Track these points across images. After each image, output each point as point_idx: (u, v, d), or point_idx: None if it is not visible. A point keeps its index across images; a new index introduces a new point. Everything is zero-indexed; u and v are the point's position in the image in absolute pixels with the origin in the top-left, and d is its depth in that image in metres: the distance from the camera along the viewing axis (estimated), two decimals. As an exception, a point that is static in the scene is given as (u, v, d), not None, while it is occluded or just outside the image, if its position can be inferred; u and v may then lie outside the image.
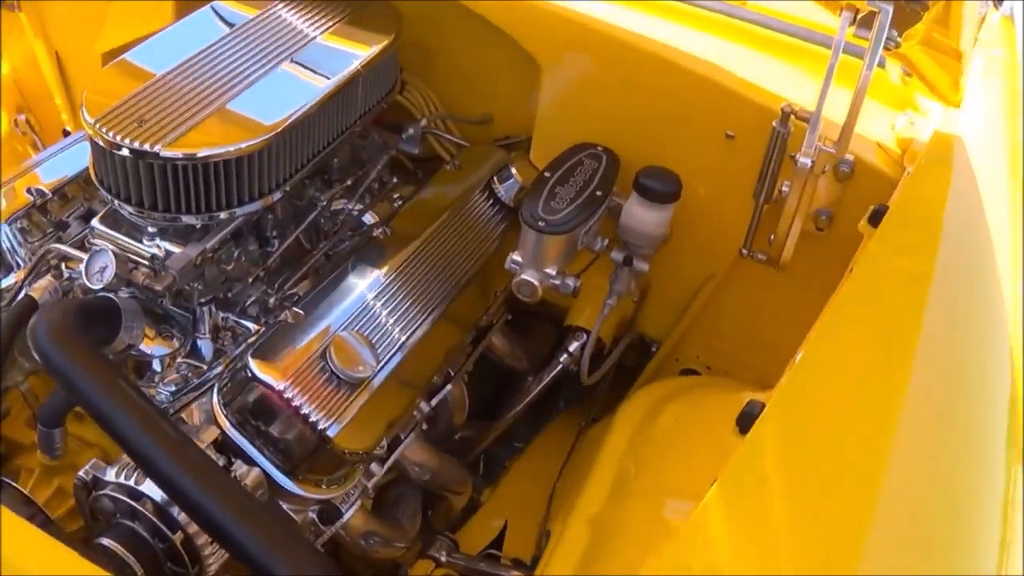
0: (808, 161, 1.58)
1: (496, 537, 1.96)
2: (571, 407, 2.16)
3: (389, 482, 1.89)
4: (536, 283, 1.76)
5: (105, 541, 1.44)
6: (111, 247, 1.62)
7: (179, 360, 1.72)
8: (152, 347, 1.71)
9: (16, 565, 0.99)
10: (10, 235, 1.77)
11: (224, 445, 1.56)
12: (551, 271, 1.76)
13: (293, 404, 1.56)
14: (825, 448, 1.13)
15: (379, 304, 1.74)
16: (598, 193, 1.78)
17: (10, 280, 1.73)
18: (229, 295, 1.76)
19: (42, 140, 2.61)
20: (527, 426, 2.12)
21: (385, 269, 1.79)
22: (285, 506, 1.64)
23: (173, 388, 1.70)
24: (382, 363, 1.66)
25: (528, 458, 2.12)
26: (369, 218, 1.95)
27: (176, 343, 1.72)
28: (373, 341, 1.67)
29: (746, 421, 1.25)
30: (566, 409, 2.16)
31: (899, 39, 1.74)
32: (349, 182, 1.93)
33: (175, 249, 1.66)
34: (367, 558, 1.82)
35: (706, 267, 1.91)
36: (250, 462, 1.58)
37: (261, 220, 1.82)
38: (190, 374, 1.70)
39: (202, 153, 1.58)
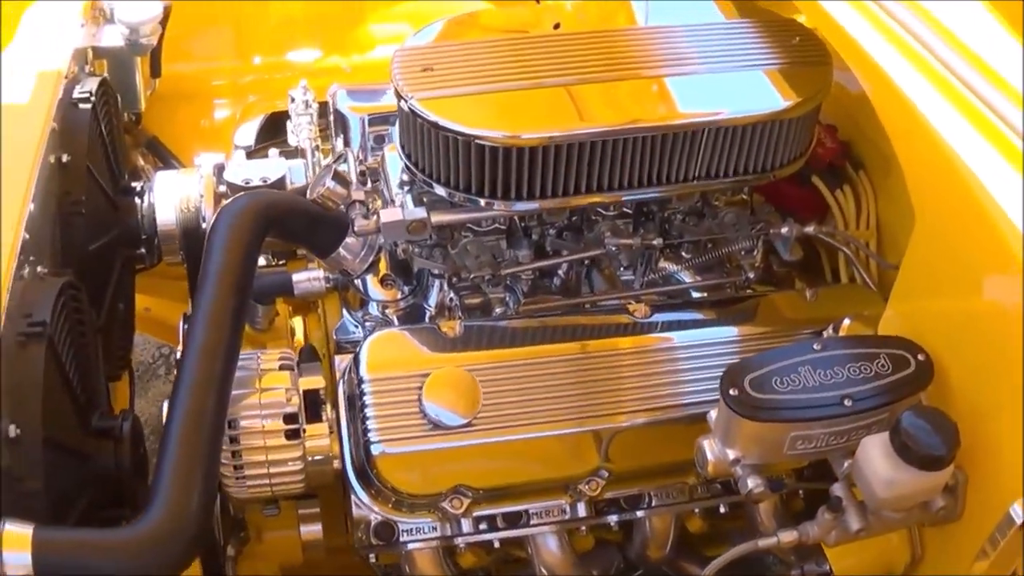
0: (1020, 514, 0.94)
1: None
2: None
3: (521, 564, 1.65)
4: (710, 457, 1.33)
5: None
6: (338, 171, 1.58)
7: (384, 311, 1.66)
8: (371, 287, 1.67)
9: None
10: None
11: (315, 401, 1.48)
12: (733, 455, 1.31)
13: (363, 401, 1.42)
14: None
15: (558, 374, 1.46)
16: (847, 403, 1.26)
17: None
18: (469, 280, 1.63)
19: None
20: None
21: (603, 344, 1.50)
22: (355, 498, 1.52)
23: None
24: (477, 427, 1.41)
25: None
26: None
27: (398, 295, 1.67)
28: (505, 404, 1.43)
29: None
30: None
31: None
32: (656, 240, 1.62)
33: (411, 207, 1.57)
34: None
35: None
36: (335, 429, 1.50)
37: (543, 231, 1.63)
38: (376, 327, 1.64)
39: (443, 122, 1.45)
